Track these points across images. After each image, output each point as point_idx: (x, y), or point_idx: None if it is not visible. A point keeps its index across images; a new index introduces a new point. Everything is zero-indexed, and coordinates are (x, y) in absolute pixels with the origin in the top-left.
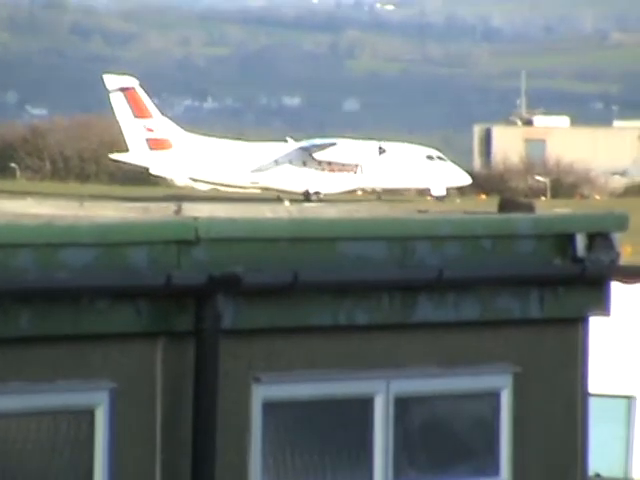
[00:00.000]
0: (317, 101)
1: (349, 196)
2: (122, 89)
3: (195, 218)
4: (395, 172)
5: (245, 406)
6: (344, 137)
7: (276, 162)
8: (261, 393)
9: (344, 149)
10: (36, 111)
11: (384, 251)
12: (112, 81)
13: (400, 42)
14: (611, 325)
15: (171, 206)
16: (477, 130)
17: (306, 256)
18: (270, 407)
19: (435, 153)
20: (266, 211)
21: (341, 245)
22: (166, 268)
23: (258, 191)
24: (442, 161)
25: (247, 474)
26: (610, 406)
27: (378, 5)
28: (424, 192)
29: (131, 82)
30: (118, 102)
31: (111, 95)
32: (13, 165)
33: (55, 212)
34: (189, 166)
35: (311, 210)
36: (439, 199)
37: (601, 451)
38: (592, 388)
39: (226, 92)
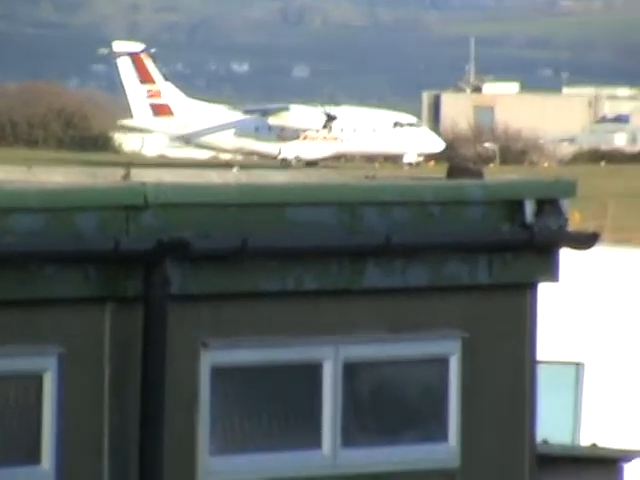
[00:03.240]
0: (266, 67)
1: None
2: (129, 54)
3: (143, 183)
4: (368, 138)
5: (193, 371)
6: (294, 103)
7: (256, 129)
8: (209, 359)
9: (297, 115)
10: None
11: (333, 217)
12: (120, 46)
13: (349, 8)
14: (559, 292)
15: (119, 171)
16: (426, 97)
17: (255, 222)
18: (218, 372)
19: (407, 119)
20: (214, 177)
21: (290, 211)
22: (114, 233)
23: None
24: (415, 127)
25: (195, 439)
26: (558, 373)
27: None
28: (397, 159)
29: (138, 47)
30: (124, 67)
31: (118, 60)
32: None
33: (2, 177)
34: (187, 130)
35: (260, 176)
36: (411, 165)
37: (549, 418)
38: (541, 355)
39: (176, 58)
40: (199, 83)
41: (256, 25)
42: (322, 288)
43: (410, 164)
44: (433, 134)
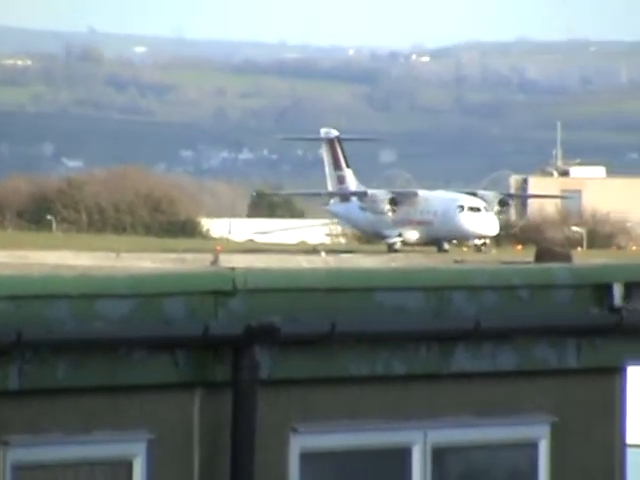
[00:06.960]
0: (353, 152)
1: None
2: (327, 140)
3: (232, 269)
4: (441, 221)
5: (282, 456)
6: (380, 188)
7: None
8: (298, 443)
9: (380, 198)
10: (72, 163)
11: (421, 301)
12: (323, 133)
13: (435, 93)
14: None
15: (208, 257)
16: (513, 180)
17: (343, 306)
18: (307, 457)
19: (471, 202)
20: (302, 262)
21: (378, 295)
22: (203, 319)
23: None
24: (476, 211)
25: None
26: None
27: (414, 56)
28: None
29: (334, 134)
30: (325, 153)
31: (323, 146)
32: (49, 217)
33: (91, 264)
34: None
35: (348, 260)
36: (477, 249)
37: None
38: (631, 438)
39: (262, 143)
40: (285, 168)
41: (343, 110)
42: (411, 372)
43: (477, 246)
44: (494, 218)
